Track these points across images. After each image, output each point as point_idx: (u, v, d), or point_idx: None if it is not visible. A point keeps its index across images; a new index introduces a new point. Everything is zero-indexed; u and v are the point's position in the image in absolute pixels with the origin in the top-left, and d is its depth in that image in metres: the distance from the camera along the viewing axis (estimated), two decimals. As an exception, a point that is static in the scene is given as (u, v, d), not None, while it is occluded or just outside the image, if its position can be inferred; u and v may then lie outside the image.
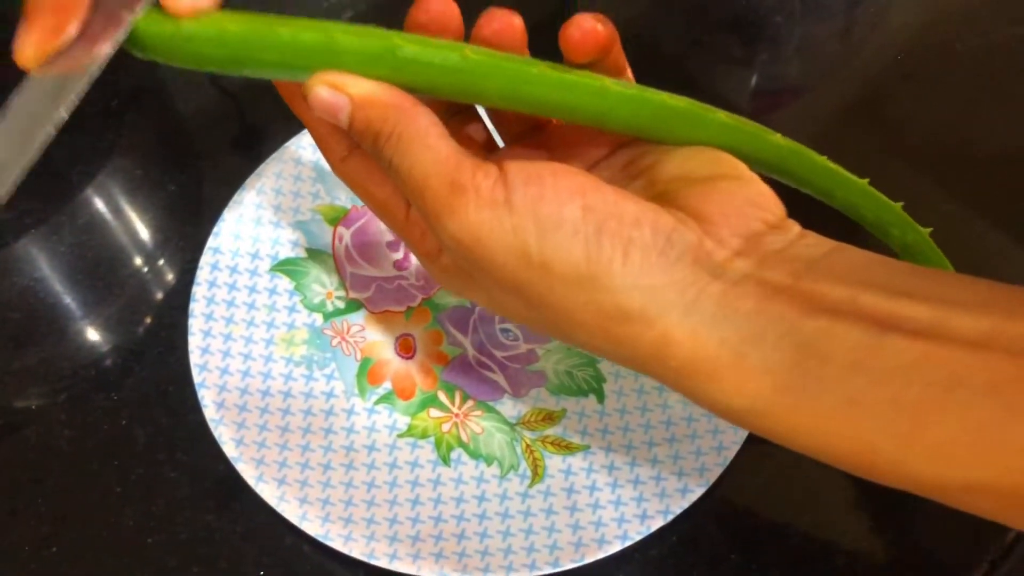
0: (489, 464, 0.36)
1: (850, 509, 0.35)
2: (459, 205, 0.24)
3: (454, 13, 0.27)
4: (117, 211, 0.43)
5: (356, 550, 0.32)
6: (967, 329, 0.22)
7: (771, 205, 0.26)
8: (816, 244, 0.25)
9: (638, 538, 0.33)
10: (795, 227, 0.26)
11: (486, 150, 0.31)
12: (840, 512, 0.35)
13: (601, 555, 0.32)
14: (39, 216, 0.42)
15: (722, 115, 0.28)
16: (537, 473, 0.35)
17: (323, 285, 0.39)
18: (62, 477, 0.36)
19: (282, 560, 0.34)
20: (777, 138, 0.29)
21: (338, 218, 0.40)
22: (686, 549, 0.34)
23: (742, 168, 0.27)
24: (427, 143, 0.25)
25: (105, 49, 0.24)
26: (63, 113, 0.25)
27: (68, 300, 0.40)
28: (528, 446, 0.36)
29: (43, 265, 0.42)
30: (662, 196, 0.26)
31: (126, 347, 0.39)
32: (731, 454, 0.34)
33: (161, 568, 0.34)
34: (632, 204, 0.25)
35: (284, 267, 0.39)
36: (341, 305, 0.39)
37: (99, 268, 0.41)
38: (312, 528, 0.32)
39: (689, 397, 0.25)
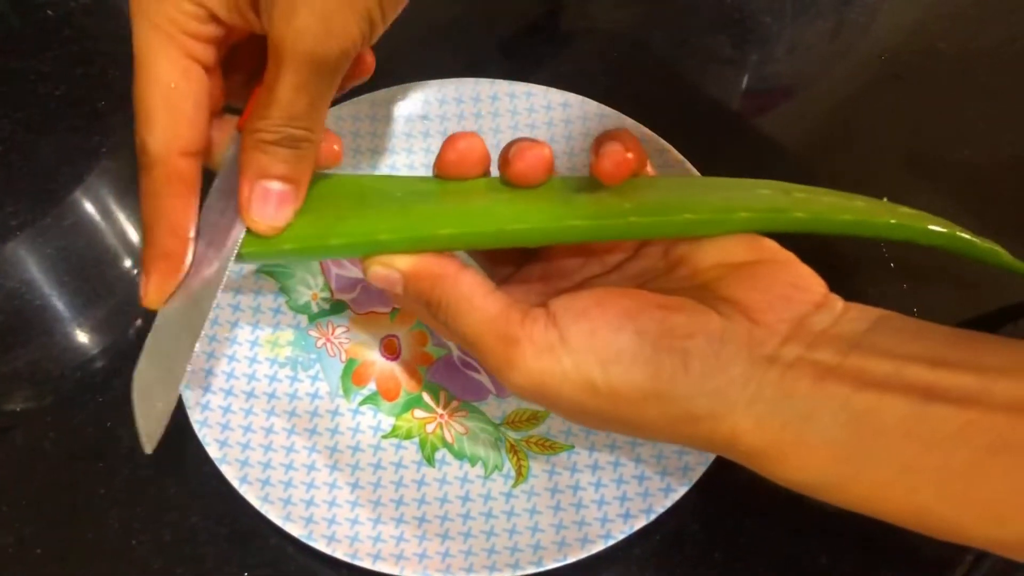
0: (473, 464, 0.36)
1: (834, 507, 0.35)
2: (517, 357, 0.26)
3: (479, 146, 0.30)
4: (105, 213, 0.43)
5: (339, 551, 0.32)
6: (1008, 394, 0.23)
7: (812, 284, 0.28)
8: (859, 317, 0.27)
9: (621, 537, 0.33)
10: (838, 303, 0.27)
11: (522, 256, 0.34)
12: (824, 510, 0.35)
13: (584, 555, 0.32)
14: (25, 218, 0.42)
15: (743, 214, 0.29)
16: (521, 473, 0.35)
17: (308, 287, 0.39)
18: (47, 479, 0.36)
19: (267, 561, 0.34)
20: (798, 215, 0.29)
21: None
22: (670, 548, 0.34)
23: (777, 250, 0.29)
24: (473, 304, 0.27)
25: (217, 273, 0.28)
26: (197, 345, 0.28)
27: (55, 303, 0.40)
28: (512, 446, 0.36)
29: (30, 267, 0.42)
30: (706, 286, 0.28)
31: (112, 349, 0.39)
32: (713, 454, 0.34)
33: (146, 569, 0.34)
34: (680, 315, 0.26)
35: (269, 269, 0.39)
36: (326, 306, 0.39)
37: (86, 270, 0.41)
38: (295, 529, 0.33)
39: (760, 473, 0.27)
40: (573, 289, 0.29)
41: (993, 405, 0.23)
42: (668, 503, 0.33)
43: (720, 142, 0.46)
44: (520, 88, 0.43)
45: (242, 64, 0.31)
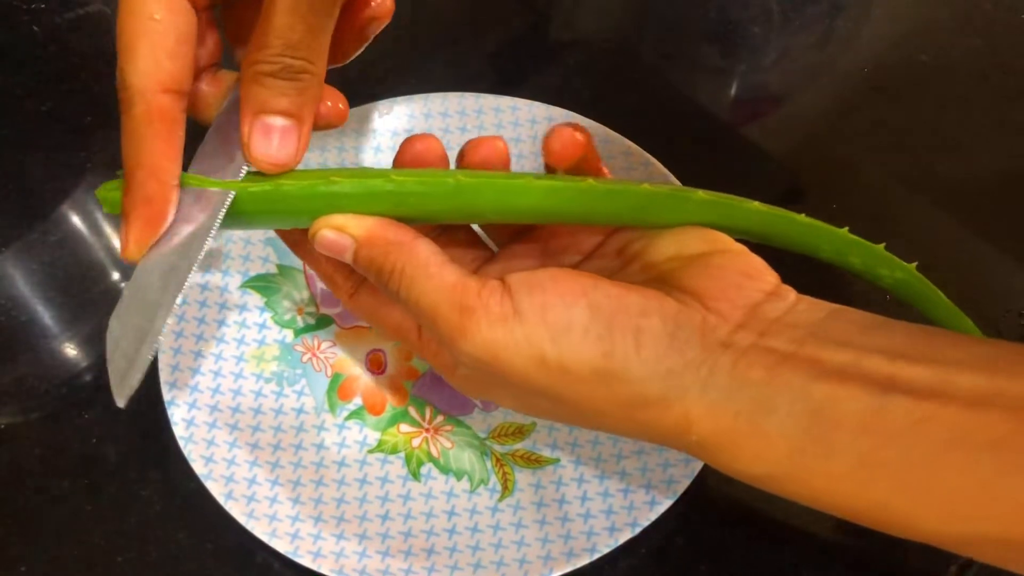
0: (459, 479, 0.36)
1: (819, 518, 0.35)
2: (471, 326, 0.26)
3: (437, 147, 0.30)
4: (90, 228, 0.43)
5: (325, 566, 0.32)
6: (967, 388, 0.23)
7: (764, 274, 0.28)
8: (813, 309, 0.26)
9: (607, 551, 0.33)
10: (791, 293, 0.27)
11: (482, 255, 0.33)
12: (809, 521, 0.35)
13: (570, 568, 0.33)
14: (11, 234, 0.42)
15: (701, 193, 0.29)
16: (507, 487, 0.35)
17: (293, 301, 0.39)
18: (32, 496, 0.36)
19: (252, 577, 0.34)
20: (756, 205, 0.30)
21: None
22: (656, 561, 0.34)
23: (730, 242, 0.29)
24: (429, 272, 0.27)
25: (205, 224, 0.27)
26: (177, 299, 0.26)
27: (40, 318, 0.40)
28: (498, 460, 0.36)
29: (16, 283, 0.42)
30: (660, 279, 0.28)
31: (98, 365, 0.39)
32: (699, 466, 0.34)
33: (131, 586, 0.34)
34: (636, 295, 0.26)
35: (255, 283, 0.39)
36: (312, 321, 0.39)
37: (71, 286, 0.41)
38: (281, 545, 0.33)
39: (712, 465, 0.26)
40: None
41: (952, 398, 0.23)
42: (653, 516, 0.33)
43: (708, 151, 0.46)
44: (506, 102, 0.43)
45: (244, 21, 0.29)
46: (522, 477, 0.36)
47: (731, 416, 0.25)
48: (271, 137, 0.27)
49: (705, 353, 0.25)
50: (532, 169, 0.42)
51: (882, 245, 0.31)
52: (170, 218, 0.27)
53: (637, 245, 0.29)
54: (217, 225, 0.27)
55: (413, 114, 0.43)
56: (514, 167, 0.42)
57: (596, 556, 0.33)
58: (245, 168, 0.27)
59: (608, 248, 0.31)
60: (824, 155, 0.46)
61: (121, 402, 0.25)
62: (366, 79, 0.47)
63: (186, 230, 0.27)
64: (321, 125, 0.29)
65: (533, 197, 0.28)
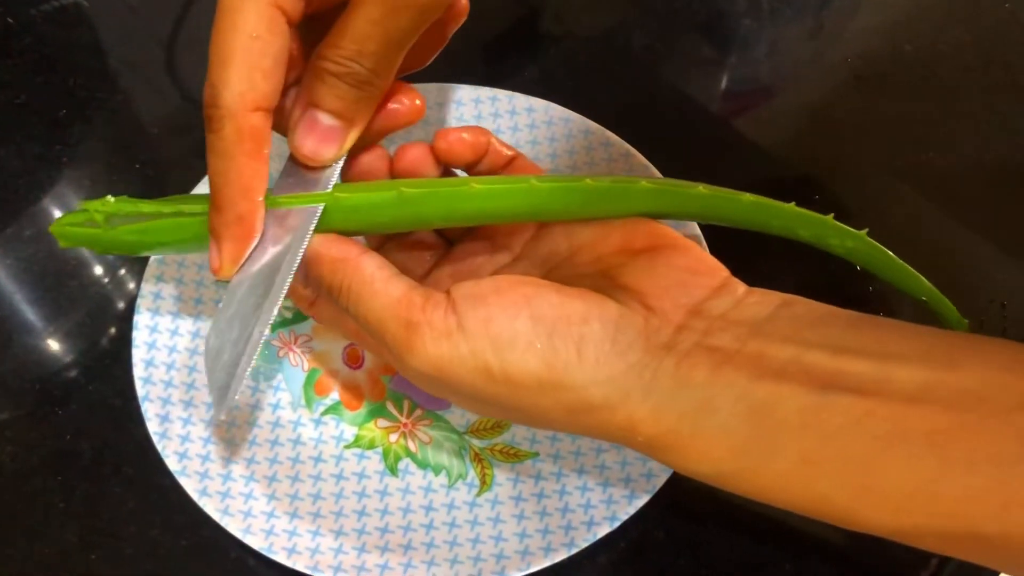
0: (437, 474, 0.35)
1: (799, 515, 0.35)
2: (416, 342, 0.26)
3: (383, 163, 0.30)
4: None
5: (300, 563, 0.32)
6: (907, 382, 0.23)
7: (710, 269, 0.28)
8: (761, 302, 0.26)
9: (585, 545, 0.33)
10: (739, 287, 0.27)
11: (436, 253, 0.33)
12: (789, 514, 0.35)
13: (548, 563, 0.32)
14: (-15, 229, 0.42)
15: (644, 183, 0.29)
16: (485, 482, 0.35)
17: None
18: (4, 493, 0.35)
19: (227, 574, 0.34)
20: (700, 189, 0.29)
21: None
22: (635, 555, 0.34)
23: (676, 237, 0.29)
24: (375, 289, 0.27)
25: (292, 240, 0.27)
26: (274, 311, 0.27)
27: (15, 315, 0.40)
28: (477, 454, 0.36)
29: (-10, 279, 0.41)
30: (606, 273, 0.28)
31: (74, 363, 0.39)
32: (678, 460, 0.34)
33: (105, 584, 0.34)
34: (577, 301, 0.26)
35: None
36: (288, 315, 0.38)
37: (47, 282, 0.40)
38: (256, 542, 0.32)
39: (661, 463, 0.26)
40: None
41: (892, 394, 0.23)
42: (632, 510, 0.33)
43: (697, 143, 0.46)
44: (485, 93, 0.42)
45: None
46: (500, 472, 0.35)
47: (675, 418, 0.25)
48: (315, 132, 0.27)
49: (648, 356, 0.25)
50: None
51: (830, 216, 0.31)
52: (258, 235, 0.27)
53: (585, 234, 0.29)
54: (309, 236, 0.27)
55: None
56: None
57: (574, 551, 0.32)
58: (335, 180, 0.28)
59: (556, 231, 0.31)
60: (812, 146, 0.46)
61: (222, 415, 0.25)
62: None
63: (272, 247, 0.28)
64: (399, 123, 0.30)
65: (476, 202, 0.28)
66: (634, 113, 0.42)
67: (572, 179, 0.29)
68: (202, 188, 0.39)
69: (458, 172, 0.33)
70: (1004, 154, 0.45)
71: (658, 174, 0.39)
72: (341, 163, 0.29)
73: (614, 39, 0.50)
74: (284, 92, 0.28)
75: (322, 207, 0.28)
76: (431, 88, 0.42)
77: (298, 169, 0.29)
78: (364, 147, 0.30)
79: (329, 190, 0.28)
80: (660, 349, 0.25)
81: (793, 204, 0.30)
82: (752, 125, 0.47)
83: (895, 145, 0.46)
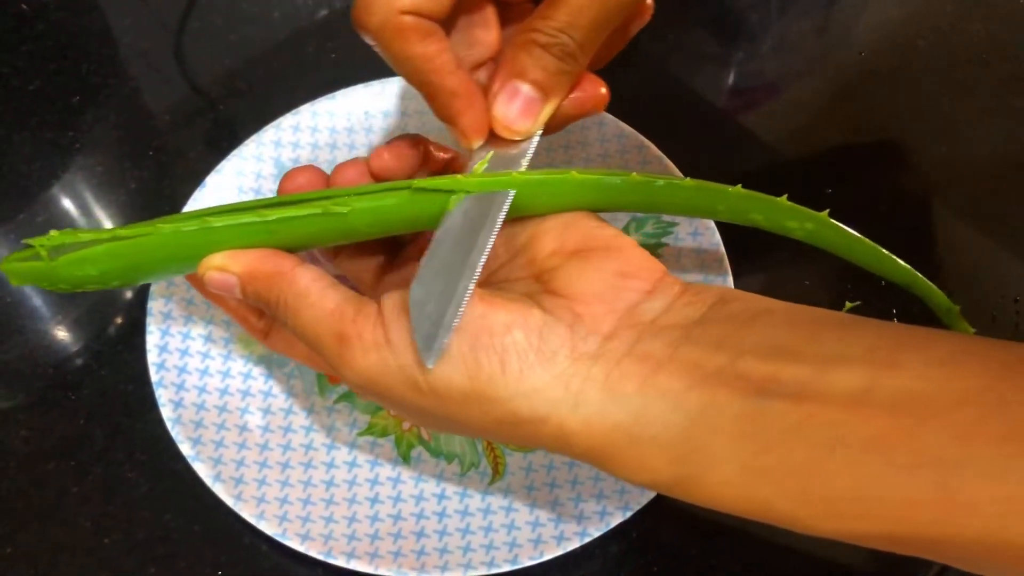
0: (450, 462, 0.35)
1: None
2: (348, 354, 0.26)
3: (319, 181, 0.30)
4: (79, 209, 0.43)
5: (313, 549, 0.32)
6: (845, 385, 0.22)
7: (644, 271, 0.27)
8: (694, 302, 0.26)
9: (597, 535, 0.33)
10: (674, 286, 0.27)
11: (385, 258, 0.33)
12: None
13: (560, 552, 0.32)
14: (-2, 215, 0.42)
15: (574, 174, 0.28)
16: (498, 471, 0.35)
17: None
18: (18, 477, 0.35)
19: (240, 560, 0.34)
20: (634, 177, 0.28)
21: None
22: (646, 545, 0.34)
23: (611, 237, 0.28)
24: (310, 302, 0.26)
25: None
26: (478, 267, 0.26)
27: (28, 301, 0.40)
28: (489, 443, 0.36)
29: (3, 264, 0.41)
30: (539, 277, 0.27)
31: (85, 347, 0.39)
32: (691, 450, 0.34)
33: (118, 569, 0.34)
34: (501, 312, 0.25)
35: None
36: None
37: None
38: (269, 527, 0.32)
39: (601, 471, 0.26)
40: None
41: (829, 398, 0.22)
42: (644, 500, 0.33)
43: (704, 138, 0.46)
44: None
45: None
46: (513, 461, 0.35)
47: (608, 429, 0.24)
48: (515, 102, 0.27)
49: (575, 366, 0.25)
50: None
51: (784, 196, 0.29)
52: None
53: (524, 234, 0.29)
54: (512, 193, 0.27)
55: (406, 95, 0.42)
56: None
57: (587, 540, 0.32)
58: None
59: (496, 239, 0.29)
60: (821, 141, 0.46)
61: (431, 363, 0.25)
62: (356, 61, 0.47)
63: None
64: (584, 110, 0.30)
65: (405, 211, 0.28)
66: (641, 108, 0.42)
67: (501, 175, 0.28)
68: (203, 192, 0.39)
69: None
70: (1018, 149, 0.45)
71: (675, 168, 0.39)
72: (535, 145, 0.29)
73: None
74: (475, 67, 0.29)
75: (529, 157, 0.28)
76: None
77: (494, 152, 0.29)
78: (487, 136, 0.29)
79: (523, 168, 0.28)
80: (588, 358, 0.25)
81: (739, 186, 0.29)
82: (760, 120, 0.47)
83: (907, 140, 0.46)
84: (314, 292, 0.27)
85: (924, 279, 0.31)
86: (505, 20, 0.30)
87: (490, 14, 0.30)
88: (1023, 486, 0.20)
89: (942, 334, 0.24)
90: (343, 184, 0.30)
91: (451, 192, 0.27)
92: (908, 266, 0.30)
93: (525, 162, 0.28)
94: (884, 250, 0.30)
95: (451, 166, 0.32)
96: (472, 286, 0.25)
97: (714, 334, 0.24)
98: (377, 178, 0.30)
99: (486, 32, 0.30)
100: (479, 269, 0.26)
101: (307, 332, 0.27)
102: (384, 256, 0.33)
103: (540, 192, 0.28)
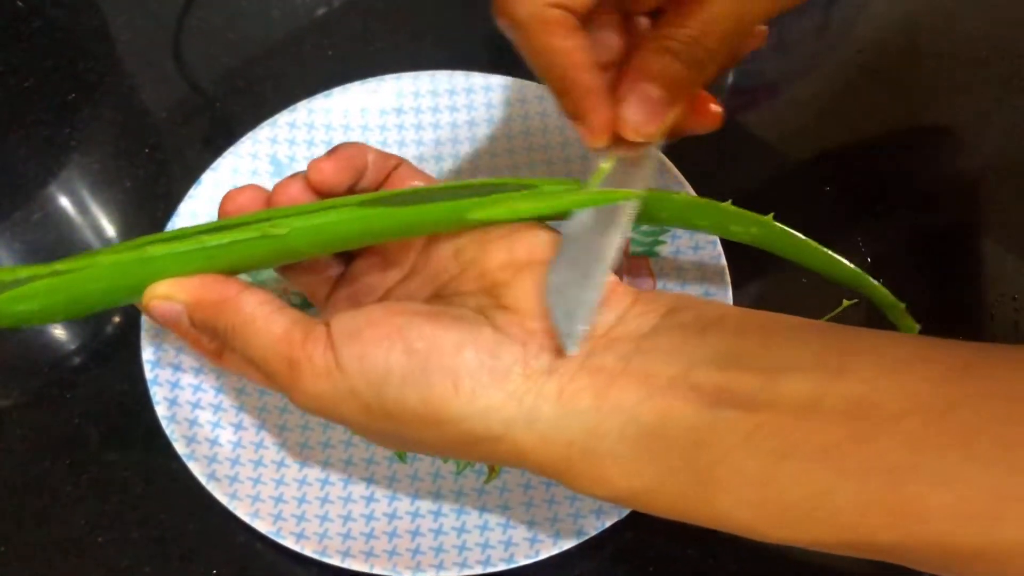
0: (446, 461, 0.35)
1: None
2: (298, 380, 0.25)
3: (260, 200, 0.30)
4: (75, 206, 0.43)
5: (308, 548, 0.32)
6: (796, 393, 0.22)
7: None
8: (646, 312, 0.26)
9: (593, 533, 0.32)
10: (626, 297, 0.27)
11: (336, 271, 0.33)
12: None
13: (556, 551, 0.32)
14: (-8, 212, 0.42)
15: (513, 183, 0.28)
16: (494, 469, 0.35)
17: (279, 281, 0.38)
18: (12, 476, 0.35)
19: (235, 558, 0.34)
20: (581, 195, 0.28)
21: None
22: (642, 545, 0.34)
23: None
24: (256, 328, 0.26)
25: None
26: (612, 254, 0.27)
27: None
28: (485, 442, 0.36)
29: (-1, 262, 0.41)
30: (490, 291, 0.27)
31: (81, 346, 0.39)
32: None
33: (113, 568, 0.33)
34: (451, 331, 0.25)
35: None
36: (298, 300, 0.38)
37: (55, 265, 0.40)
38: (264, 526, 0.32)
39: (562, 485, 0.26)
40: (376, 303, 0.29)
41: (781, 408, 0.22)
42: (641, 499, 0.33)
43: (704, 138, 0.46)
44: (496, 80, 0.42)
45: None
46: (509, 459, 0.35)
47: (564, 445, 0.24)
48: (643, 104, 0.27)
49: (528, 383, 0.24)
50: (523, 153, 0.42)
51: (728, 201, 0.30)
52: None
53: (473, 247, 0.28)
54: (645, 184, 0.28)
55: (403, 92, 0.42)
56: (505, 148, 0.42)
57: (583, 539, 0.32)
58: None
59: (443, 247, 0.30)
60: (820, 140, 0.46)
61: (573, 349, 0.25)
62: (353, 59, 0.47)
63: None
64: (698, 126, 0.30)
65: (349, 228, 0.28)
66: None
67: (438, 186, 0.28)
68: (199, 189, 0.39)
69: None
70: (1018, 147, 0.45)
71: (674, 168, 0.39)
72: (655, 159, 0.29)
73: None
74: (605, 68, 0.29)
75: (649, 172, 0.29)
76: (442, 75, 0.42)
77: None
78: (612, 137, 0.29)
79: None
80: (541, 375, 0.24)
81: (683, 194, 0.30)
82: (760, 119, 0.47)
83: (907, 139, 0.46)
84: (260, 317, 0.26)
85: (869, 278, 0.32)
86: (627, 29, 0.31)
87: (617, 20, 0.30)
88: (970, 491, 0.20)
89: (890, 336, 0.24)
90: (286, 201, 0.29)
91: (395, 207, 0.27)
92: (853, 267, 0.31)
93: (645, 174, 0.28)
94: (829, 252, 0.31)
95: (394, 174, 0.31)
96: (608, 273, 0.26)
97: (666, 345, 0.24)
98: (318, 192, 0.30)
99: (612, 36, 0.30)
100: (613, 256, 0.26)
101: (256, 357, 0.26)
102: (335, 269, 0.33)
103: (483, 208, 0.28)
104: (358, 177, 0.30)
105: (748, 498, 0.23)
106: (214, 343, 0.29)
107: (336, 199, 0.29)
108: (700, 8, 0.27)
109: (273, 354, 0.26)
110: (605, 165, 0.28)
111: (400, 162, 0.31)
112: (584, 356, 0.25)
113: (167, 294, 0.27)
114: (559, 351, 0.25)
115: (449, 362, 0.24)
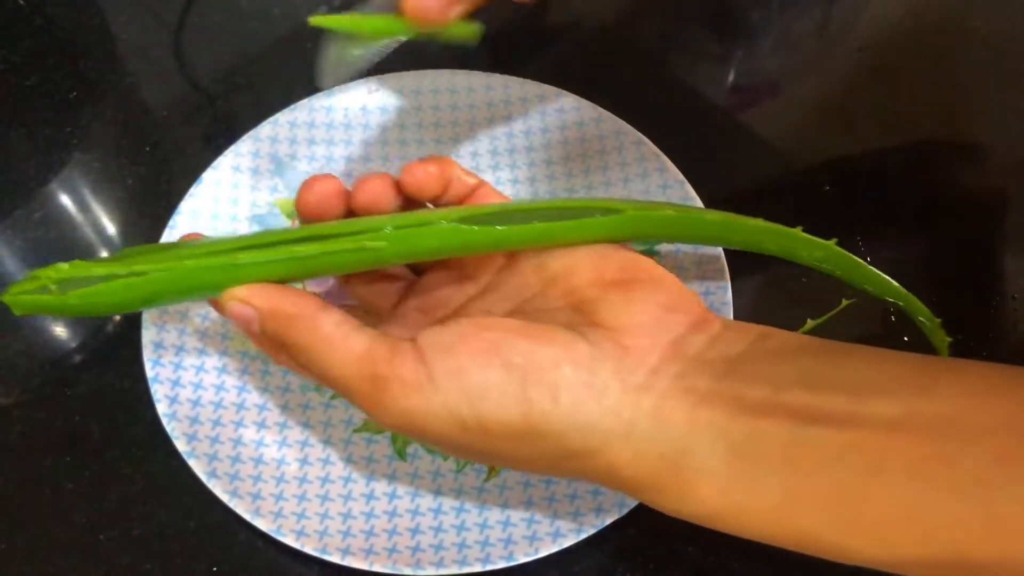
0: (446, 459, 0.35)
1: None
2: (385, 397, 0.25)
3: (338, 189, 0.29)
4: (76, 204, 0.43)
5: (309, 546, 0.32)
6: (884, 412, 0.23)
7: (687, 305, 0.27)
8: (737, 338, 0.26)
9: (593, 531, 0.33)
10: (715, 323, 0.27)
11: (401, 284, 0.33)
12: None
13: (556, 548, 0.32)
14: (-6, 210, 0.42)
15: (608, 205, 0.29)
16: (494, 467, 0.35)
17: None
18: (13, 474, 0.35)
19: (235, 556, 0.34)
20: (669, 211, 0.29)
21: (296, 212, 0.40)
22: (644, 541, 0.34)
23: (650, 268, 0.28)
24: (334, 347, 0.26)
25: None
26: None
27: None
28: (485, 440, 0.36)
29: (0, 260, 0.41)
30: (579, 308, 0.27)
31: (82, 343, 0.39)
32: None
33: (113, 565, 0.33)
34: (548, 347, 0.25)
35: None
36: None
37: (56, 263, 0.40)
38: (264, 524, 0.32)
39: (646, 504, 0.26)
40: (450, 317, 0.29)
41: (870, 426, 0.23)
42: (641, 497, 0.33)
43: (705, 137, 0.46)
44: (497, 80, 0.42)
45: None
46: (509, 457, 0.35)
47: (655, 459, 0.25)
48: None
49: (624, 399, 0.25)
50: (523, 152, 0.42)
51: (799, 228, 0.31)
52: None
53: (554, 266, 0.29)
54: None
55: (403, 91, 0.42)
56: (505, 147, 0.42)
57: (583, 536, 0.32)
58: None
59: (525, 263, 0.30)
60: (821, 139, 0.46)
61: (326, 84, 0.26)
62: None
63: None
64: None
65: (443, 243, 0.28)
66: (640, 106, 0.42)
67: (543, 204, 0.28)
68: (200, 187, 0.39)
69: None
70: (1018, 146, 0.45)
71: (672, 166, 0.39)
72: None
73: (621, 30, 0.50)
74: None
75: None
76: (444, 74, 0.42)
77: None
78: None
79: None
80: (636, 390, 0.25)
81: (760, 220, 0.31)
82: (760, 118, 0.47)
83: (908, 138, 0.46)
84: (339, 336, 0.26)
85: (913, 298, 0.34)
86: None
87: None
88: None
89: (966, 364, 0.24)
90: (368, 199, 0.29)
91: (493, 225, 0.28)
92: (901, 288, 0.33)
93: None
94: (883, 274, 0.33)
95: (476, 194, 0.31)
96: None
97: (756, 368, 0.25)
98: (407, 194, 0.30)
99: None
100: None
101: (331, 376, 0.26)
102: (405, 280, 0.33)
103: (573, 229, 0.28)
104: (446, 189, 0.30)
105: (837, 515, 0.23)
106: (281, 354, 0.30)
107: (429, 212, 0.29)
108: None
109: (354, 372, 0.26)
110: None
111: (482, 183, 0.31)
112: (677, 375, 0.25)
113: (245, 298, 0.27)
114: (654, 369, 0.25)
115: (548, 377, 0.25)
